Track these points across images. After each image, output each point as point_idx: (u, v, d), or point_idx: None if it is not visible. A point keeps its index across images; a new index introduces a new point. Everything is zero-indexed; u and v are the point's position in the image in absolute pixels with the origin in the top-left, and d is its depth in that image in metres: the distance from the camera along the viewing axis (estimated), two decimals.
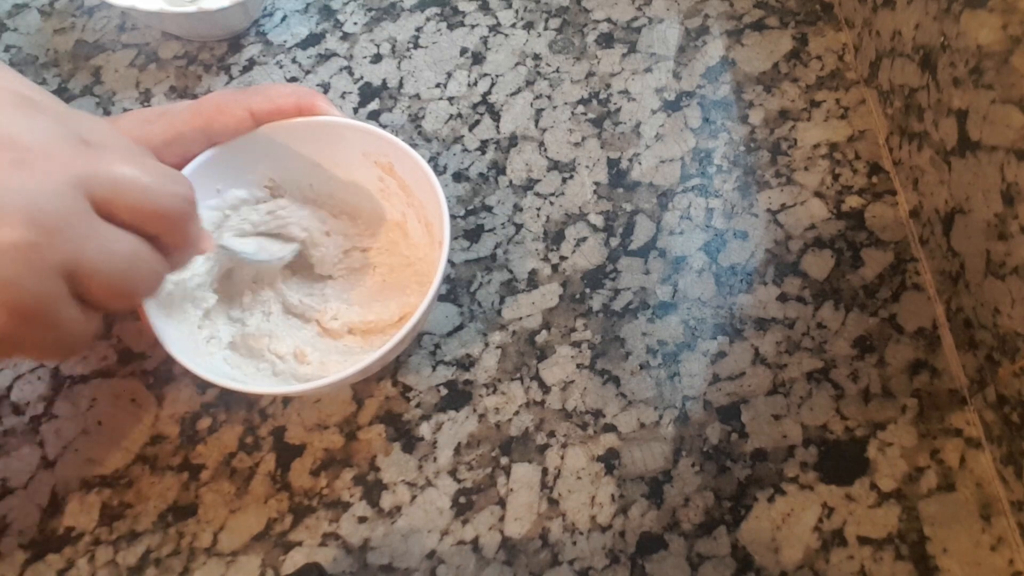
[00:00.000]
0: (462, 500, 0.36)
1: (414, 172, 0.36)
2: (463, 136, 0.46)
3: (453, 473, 0.37)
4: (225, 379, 0.31)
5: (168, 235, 0.26)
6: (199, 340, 0.35)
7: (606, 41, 0.49)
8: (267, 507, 0.36)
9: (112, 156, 0.25)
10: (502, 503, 0.36)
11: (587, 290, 0.41)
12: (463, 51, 0.49)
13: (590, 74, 0.48)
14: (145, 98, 0.49)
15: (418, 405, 0.38)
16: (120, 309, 0.26)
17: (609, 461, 0.37)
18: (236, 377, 0.34)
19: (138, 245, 0.25)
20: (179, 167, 0.35)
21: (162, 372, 0.39)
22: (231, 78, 0.49)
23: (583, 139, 0.46)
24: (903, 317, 0.39)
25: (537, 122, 0.46)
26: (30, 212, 0.22)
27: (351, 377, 0.32)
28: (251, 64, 0.50)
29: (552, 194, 0.44)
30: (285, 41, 0.50)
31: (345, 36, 0.50)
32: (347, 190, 0.40)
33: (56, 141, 0.23)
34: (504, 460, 0.37)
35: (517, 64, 0.49)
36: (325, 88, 0.48)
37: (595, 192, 0.44)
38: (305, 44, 0.50)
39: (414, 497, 0.36)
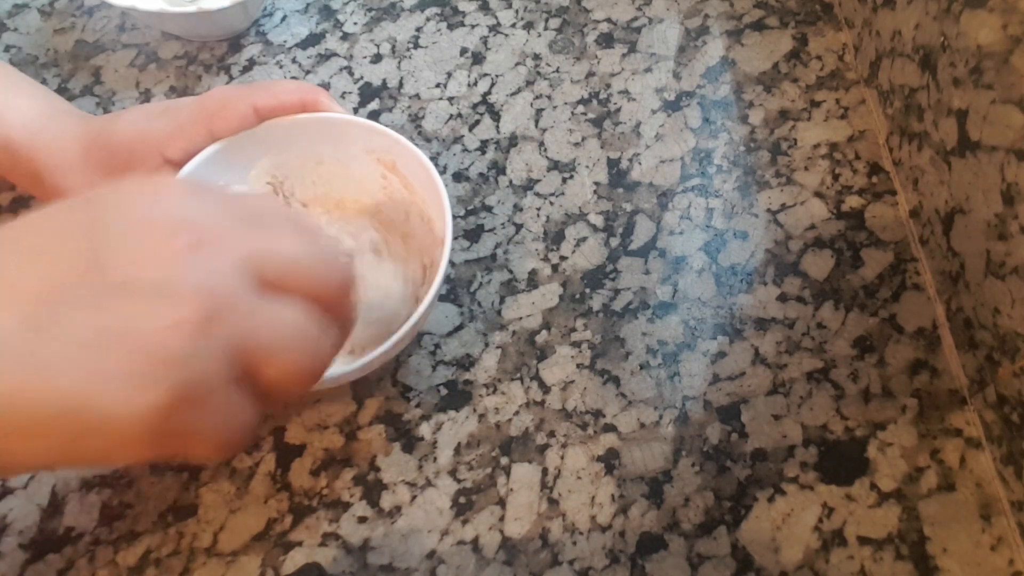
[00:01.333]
0: (462, 500, 0.36)
1: (417, 170, 0.36)
2: (463, 136, 0.46)
3: (453, 473, 0.37)
4: None
5: (333, 309, 0.25)
6: None
7: (606, 41, 0.49)
8: (267, 507, 0.36)
9: (279, 234, 0.24)
10: (502, 503, 0.36)
11: (587, 290, 0.41)
12: (463, 51, 0.49)
13: (590, 74, 0.48)
14: (145, 98, 0.49)
15: (418, 405, 0.38)
16: (294, 390, 0.24)
17: (609, 461, 0.37)
18: None
19: (305, 319, 0.24)
20: (183, 162, 0.35)
21: None
22: (231, 78, 0.49)
23: (583, 139, 0.46)
24: (903, 317, 0.39)
25: (537, 122, 0.46)
26: (200, 290, 0.21)
27: (350, 374, 0.32)
28: (251, 64, 0.50)
29: (552, 194, 0.44)
30: (285, 41, 0.50)
31: (345, 36, 0.50)
32: (350, 187, 0.40)
33: (226, 222, 0.23)
34: (504, 460, 0.37)
35: (517, 64, 0.49)
36: (325, 88, 0.48)
37: (595, 192, 0.44)
38: (305, 44, 0.50)
39: (414, 497, 0.36)
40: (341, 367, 0.31)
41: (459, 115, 0.47)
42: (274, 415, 0.38)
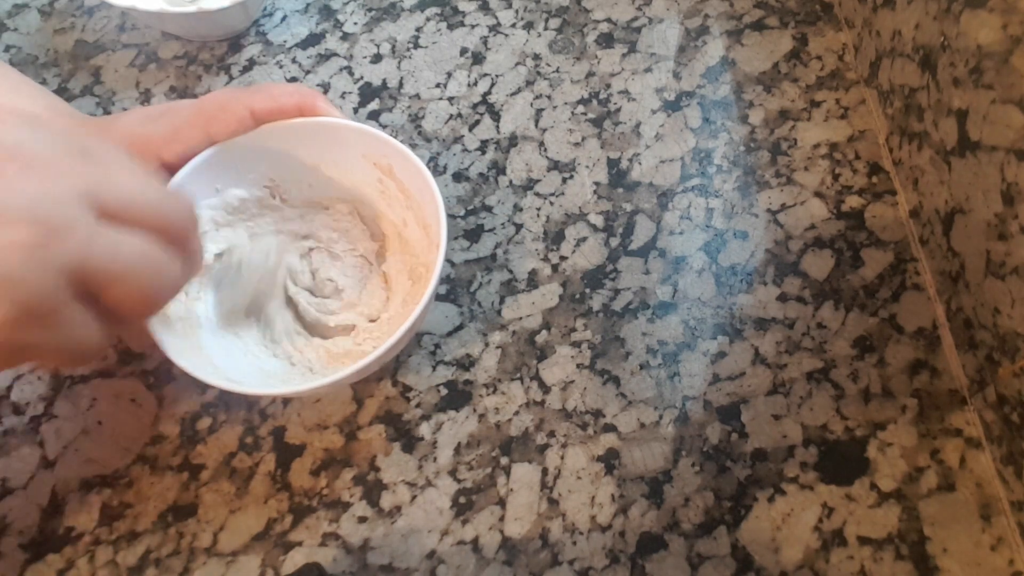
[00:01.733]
0: (462, 500, 0.36)
1: (413, 175, 0.36)
2: (463, 136, 0.46)
3: (453, 473, 0.37)
4: (221, 380, 0.31)
5: (174, 245, 0.26)
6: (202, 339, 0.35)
7: (606, 41, 0.49)
8: (267, 507, 0.36)
9: (117, 170, 0.25)
10: (502, 503, 0.36)
11: (587, 290, 0.41)
12: (463, 51, 0.49)
13: (590, 74, 0.48)
14: (145, 98, 0.49)
15: (418, 405, 0.38)
16: (139, 313, 0.26)
17: (609, 461, 0.37)
18: (232, 377, 0.34)
19: (148, 247, 0.25)
20: (180, 165, 0.35)
21: (162, 372, 0.39)
22: (231, 78, 0.49)
23: (583, 139, 0.46)
24: (903, 317, 0.39)
25: (537, 122, 0.46)
26: (34, 214, 0.22)
27: (349, 377, 0.32)
28: (251, 64, 0.50)
29: (552, 194, 0.44)
30: (285, 41, 0.50)
31: (345, 36, 0.50)
32: (347, 191, 0.40)
33: (62, 153, 0.24)
34: (504, 460, 0.37)
35: (517, 64, 0.49)
36: (325, 88, 0.48)
37: (595, 192, 0.44)
38: (305, 44, 0.50)
39: (414, 497, 0.36)
40: (341, 370, 0.31)
41: (459, 115, 0.47)
42: (274, 416, 0.38)
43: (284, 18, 0.51)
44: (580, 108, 0.47)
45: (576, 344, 0.40)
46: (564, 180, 0.44)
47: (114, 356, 0.40)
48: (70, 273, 0.23)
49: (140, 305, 0.25)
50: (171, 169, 0.35)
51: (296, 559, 0.35)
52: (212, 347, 0.35)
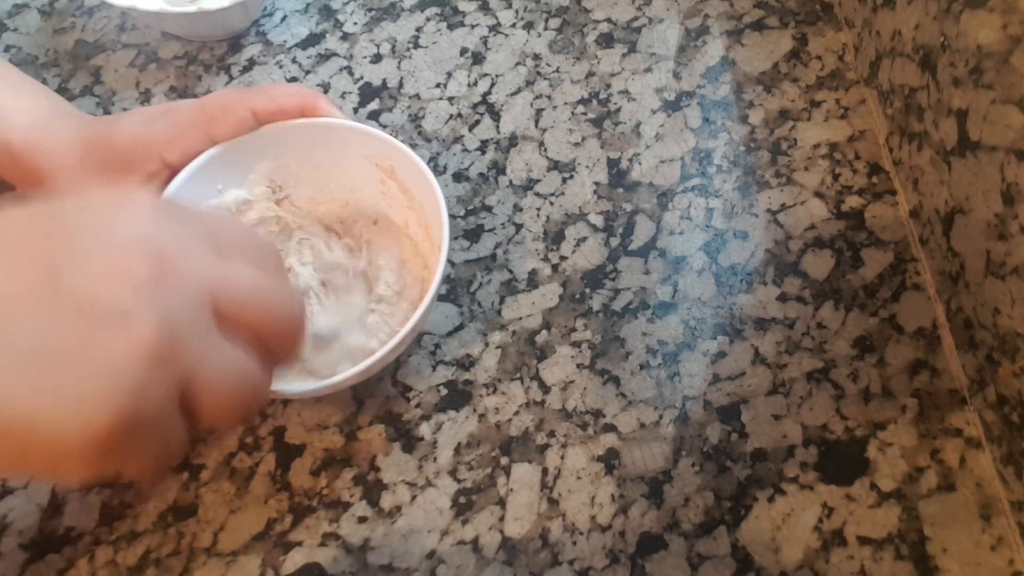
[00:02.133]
0: (462, 500, 0.36)
1: (415, 175, 0.36)
2: (463, 136, 0.46)
3: (453, 473, 0.37)
4: None
5: (279, 350, 0.26)
6: None
7: (606, 41, 0.49)
8: (267, 507, 0.36)
9: (241, 270, 0.24)
10: (502, 503, 0.36)
11: (587, 290, 0.41)
12: (463, 51, 0.49)
13: (590, 74, 0.48)
14: (145, 98, 0.49)
15: (418, 405, 0.38)
16: (221, 426, 0.26)
17: (609, 461, 0.37)
18: None
19: (250, 363, 0.24)
20: (182, 165, 0.35)
21: None
22: (231, 78, 0.49)
23: (583, 139, 0.46)
24: (903, 317, 0.39)
25: (537, 122, 0.46)
26: (164, 322, 0.21)
27: (350, 379, 0.32)
28: (251, 64, 0.50)
29: (552, 194, 0.44)
30: (285, 41, 0.50)
31: (345, 36, 0.50)
32: (349, 192, 0.40)
33: (191, 251, 0.23)
34: (504, 460, 0.37)
35: (517, 64, 0.49)
36: (325, 88, 0.48)
37: (595, 192, 0.44)
38: (305, 44, 0.50)
39: (414, 497, 0.36)
40: (342, 373, 0.31)
41: (459, 115, 0.47)
42: (274, 416, 0.38)
43: (284, 18, 0.51)
44: (580, 108, 0.47)
45: (576, 344, 0.40)
46: (564, 180, 0.44)
47: None
48: (179, 384, 0.22)
49: (228, 417, 0.25)
50: (173, 169, 0.35)
51: (296, 559, 0.35)
52: None
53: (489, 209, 0.44)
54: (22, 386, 0.20)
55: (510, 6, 0.51)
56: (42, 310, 0.20)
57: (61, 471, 0.21)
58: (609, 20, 0.50)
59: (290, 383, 0.36)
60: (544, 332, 0.40)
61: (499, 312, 0.41)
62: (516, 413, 0.38)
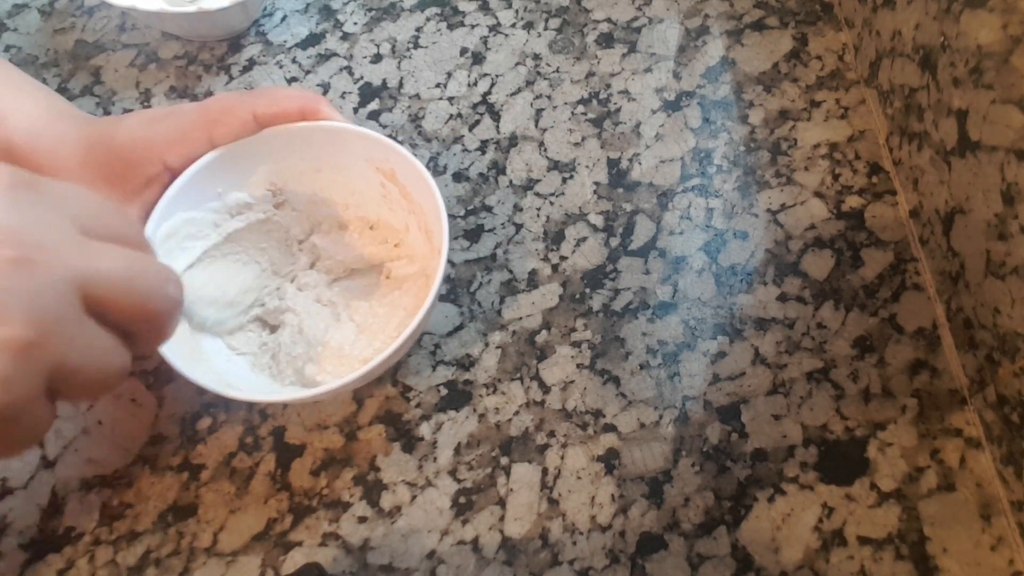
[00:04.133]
0: (462, 500, 0.36)
1: (415, 179, 0.36)
2: (463, 136, 0.46)
3: (453, 473, 0.37)
4: (221, 386, 0.31)
5: (147, 333, 0.26)
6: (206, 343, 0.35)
7: (606, 41, 0.49)
8: (267, 507, 0.36)
9: (110, 252, 0.24)
10: (502, 503, 0.36)
11: (587, 290, 0.41)
12: (463, 51, 0.49)
13: (590, 74, 0.48)
14: (145, 98, 0.49)
15: (418, 405, 0.38)
16: (82, 398, 0.25)
17: (609, 461, 0.37)
18: (232, 382, 0.34)
19: (114, 343, 0.24)
20: (183, 168, 0.35)
21: (162, 372, 0.39)
22: (231, 78, 0.49)
23: (583, 139, 0.46)
24: (903, 317, 0.39)
25: (537, 122, 0.46)
26: (30, 311, 0.21)
27: (353, 383, 0.32)
28: (251, 64, 0.50)
29: (552, 194, 0.44)
30: (285, 41, 0.50)
31: (345, 36, 0.50)
32: (349, 195, 0.40)
33: (57, 234, 0.23)
34: (504, 460, 0.37)
35: (517, 64, 0.49)
36: (325, 88, 0.48)
37: (595, 192, 0.44)
38: (305, 44, 0.50)
39: (414, 497, 0.36)
40: (344, 377, 0.31)
41: (459, 115, 0.47)
42: (274, 416, 0.38)
43: (284, 18, 0.51)
44: (580, 108, 0.47)
45: (576, 344, 0.40)
46: (564, 180, 0.44)
47: None
48: (50, 372, 0.22)
49: (88, 395, 0.25)
50: (174, 172, 0.35)
51: (296, 559, 0.35)
52: (212, 352, 0.35)
53: (489, 209, 0.44)
54: None
55: (510, 6, 0.51)
56: None
57: None
58: (609, 20, 0.50)
59: (292, 389, 0.36)
60: (544, 332, 0.40)
61: (499, 312, 0.41)
62: (516, 413, 0.38)
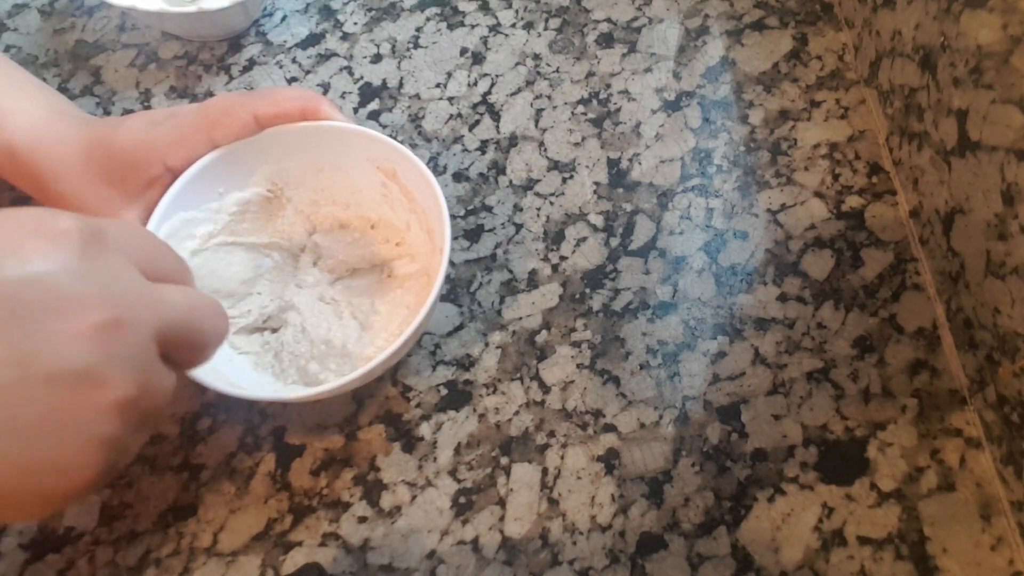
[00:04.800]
0: (462, 500, 0.36)
1: (417, 178, 0.36)
2: (463, 136, 0.46)
3: (453, 473, 0.37)
4: (223, 384, 0.31)
5: (195, 362, 0.28)
6: None
7: (606, 41, 0.49)
8: (267, 507, 0.36)
9: (172, 295, 0.26)
10: (502, 503, 0.36)
11: (587, 290, 0.41)
12: (463, 51, 0.49)
13: (590, 74, 0.48)
14: (145, 98, 0.49)
15: (418, 405, 0.38)
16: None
17: (609, 461, 0.37)
18: (234, 381, 0.34)
19: (172, 376, 0.26)
20: (184, 169, 0.35)
21: None
22: (231, 78, 0.49)
23: (583, 139, 0.46)
24: (903, 317, 0.39)
25: (537, 122, 0.46)
26: (129, 372, 0.23)
27: (353, 382, 0.32)
28: (251, 64, 0.50)
29: (552, 194, 0.44)
30: (285, 41, 0.50)
31: (345, 36, 0.50)
32: (350, 195, 0.40)
33: (132, 289, 0.24)
34: (504, 460, 0.37)
35: (517, 64, 0.49)
36: (325, 88, 0.48)
37: (595, 192, 0.44)
38: (305, 44, 0.50)
39: (414, 497, 0.36)
40: (345, 376, 0.31)
41: (459, 115, 0.47)
42: (274, 416, 0.38)
43: (284, 18, 0.51)
44: (580, 108, 0.47)
45: (576, 344, 0.40)
46: (564, 180, 0.44)
47: None
48: (144, 422, 0.24)
49: (149, 428, 0.26)
50: (175, 173, 0.35)
51: (296, 559, 0.35)
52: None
53: (489, 209, 0.44)
54: (6, 461, 0.21)
55: (510, 6, 0.51)
56: (14, 385, 0.21)
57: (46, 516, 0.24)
58: (609, 20, 0.50)
59: (293, 388, 0.36)
60: (544, 332, 0.40)
61: (499, 312, 0.41)
62: (516, 413, 0.38)
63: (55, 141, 0.36)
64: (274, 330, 0.38)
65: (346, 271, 0.40)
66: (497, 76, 0.48)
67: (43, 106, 0.37)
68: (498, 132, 0.46)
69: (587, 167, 0.45)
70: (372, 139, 0.36)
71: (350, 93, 0.48)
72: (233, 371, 0.35)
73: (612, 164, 0.45)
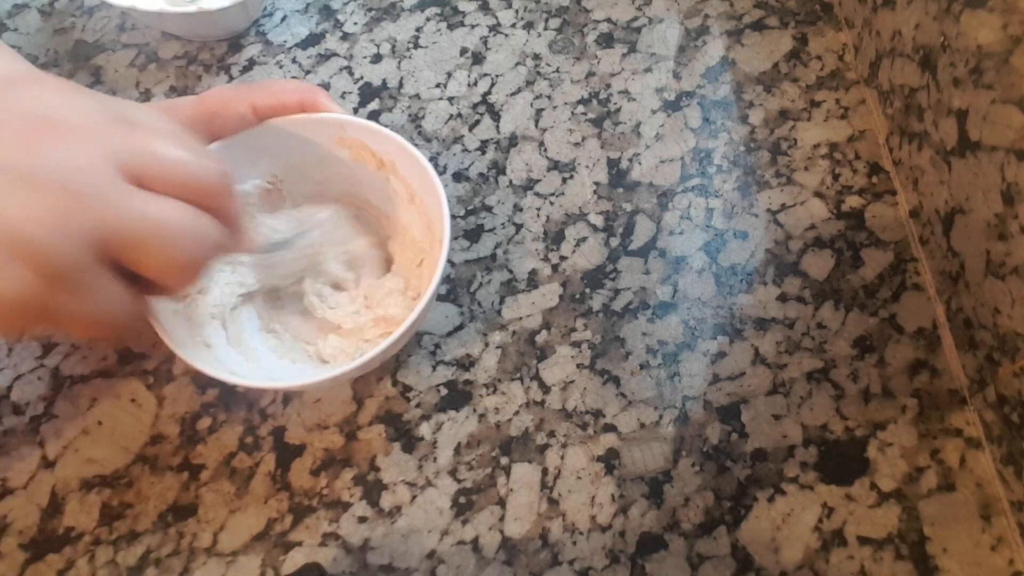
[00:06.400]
0: (462, 500, 0.36)
1: (416, 171, 0.36)
2: (463, 136, 0.46)
3: (453, 473, 0.37)
4: (222, 372, 0.31)
5: (213, 209, 0.26)
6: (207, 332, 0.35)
7: (606, 41, 0.49)
8: (267, 507, 0.36)
9: (149, 133, 0.25)
10: (502, 503, 0.36)
11: (587, 290, 0.41)
12: (463, 51, 0.49)
13: (590, 74, 0.48)
14: (145, 98, 0.49)
15: (418, 405, 0.38)
16: (176, 279, 0.25)
17: (609, 461, 0.37)
18: (235, 371, 0.34)
19: (180, 211, 0.25)
20: None
21: (162, 372, 0.39)
22: (231, 78, 0.49)
23: (583, 139, 0.46)
24: (903, 317, 0.39)
25: (537, 122, 0.46)
26: (61, 181, 0.22)
27: (350, 372, 0.32)
28: (251, 64, 0.50)
29: (552, 194, 0.44)
30: (285, 41, 0.50)
31: (345, 36, 0.50)
32: (350, 187, 0.40)
33: (95, 118, 0.24)
34: (504, 460, 0.37)
35: (517, 64, 0.49)
36: (325, 88, 0.48)
37: (595, 192, 0.44)
38: (305, 44, 0.50)
39: (414, 497, 0.36)
40: (342, 366, 0.31)
41: (459, 115, 0.47)
42: (274, 416, 0.38)
43: (284, 18, 0.51)
44: (580, 108, 0.47)
45: (576, 344, 0.40)
46: (564, 180, 0.44)
47: (114, 356, 0.40)
48: (97, 240, 0.23)
49: (175, 270, 0.25)
50: None
51: (296, 559, 0.35)
52: (215, 341, 0.35)
53: (489, 209, 0.44)
54: None
55: (510, 6, 0.51)
56: None
57: None
58: (609, 20, 0.50)
59: (291, 378, 0.36)
60: (544, 332, 0.40)
61: (499, 312, 0.41)
62: (516, 413, 0.38)
63: None
64: (278, 310, 0.38)
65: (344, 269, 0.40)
66: (497, 76, 0.48)
67: None
68: (498, 132, 0.46)
69: (587, 167, 0.45)
70: (372, 131, 0.36)
71: (350, 93, 0.48)
72: (231, 359, 0.35)
73: (612, 164, 0.45)
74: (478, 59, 0.49)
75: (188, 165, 0.26)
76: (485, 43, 0.50)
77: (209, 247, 0.26)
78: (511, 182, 0.44)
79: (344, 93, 0.48)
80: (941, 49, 0.37)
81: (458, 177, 0.45)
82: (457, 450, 0.37)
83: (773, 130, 0.45)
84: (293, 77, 0.49)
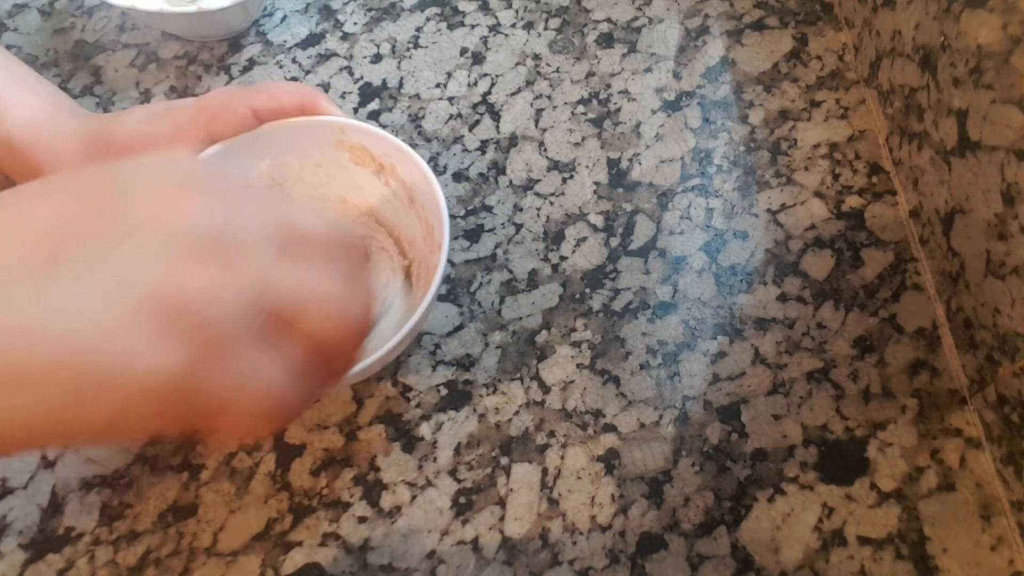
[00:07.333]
0: (462, 500, 0.36)
1: (415, 174, 0.36)
2: (463, 136, 0.46)
3: (453, 473, 0.37)
4: None
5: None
6: None
7: (606, 41, 0.49)
8: (267, 507, 0.36)
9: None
10: (502, 503, 0.36)
11: (587, 290, 0.41)
12: (463, 51, 0.49)
13: (590, 74, 0.48)
14: (145, 98, 0.49)
15: (418, 405, 0.38)
16: (343, 342, 0.22)
17: (609, 461, 0.37)
18: None
19: (328, 275, 0.22)
20: None
21: None
22: (231, 78, 0.49)
23: (583, 139, 0.46)
24: (903, 317, 0.39)
25: (537, 122, 0.46)
26: (219, 243, 0.19)
27: (350, 377, 0.32)
28: (251, 64, 0.50)
29: (552, 194, 0.44)
30: (285, 41, 0.50)
31: (345, 36, 0.50)
32: (349, 190, 0.40)
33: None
34: (504, 460, 0.37)
35: (517, 64, 0.49)
36: (325, 88, 0.48)
37: (595, 192, 0.44)
38: (305, 44, 0.50)
39: (414, 497, 0.36)
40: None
41: (459, 115, 0.47)
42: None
43: (284, 18, 0.51)
44: (580, 108, 0.47)
45: (576, 344, 0.40)
46: (564, 180, 0.44)
47: None
48: (254, 303, 0.20)
49: (340, 330, 0.22)
50: None
51: (296, 559, 0.35)
52: None
53: (489, 209, 0.44)
54: (85, 316, 0.17)
55: (510, 6, 0.51)
56: (101, 237, 0.18)
57: (126, 418, 0.18)
58: (609, 20, 0.50)
59: None
60: (544, 332, 0.40)
61: (499, 312, 0.41)
62: (516, 413, 0.38)
63: (54, 135, 0.36)
64: None
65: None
66: (497, 76, 0.48)
67: (44, 100, 0.37)
68: (498, 132, 0.46)
69: (587, 167, 0.45)
70: (371, 135, 0.36)
71: (350, 93, 0.48)
72: None
73: (612, 164, 0.45)
74: (478, 59, 0.49)
75: (332, 232, 0.23)
76: (485, 43, 0.50)
77: (363, 308, 0.23)
78: (511, 182, 0.44)
79: (344, 93, 0.48)
80: (941, 49, 0.37)
81: (458, 177, 0.45)
82: (457, 450, 0.37)
83: (773, 130, 0.45)
84: (293, 77, 0.49)
